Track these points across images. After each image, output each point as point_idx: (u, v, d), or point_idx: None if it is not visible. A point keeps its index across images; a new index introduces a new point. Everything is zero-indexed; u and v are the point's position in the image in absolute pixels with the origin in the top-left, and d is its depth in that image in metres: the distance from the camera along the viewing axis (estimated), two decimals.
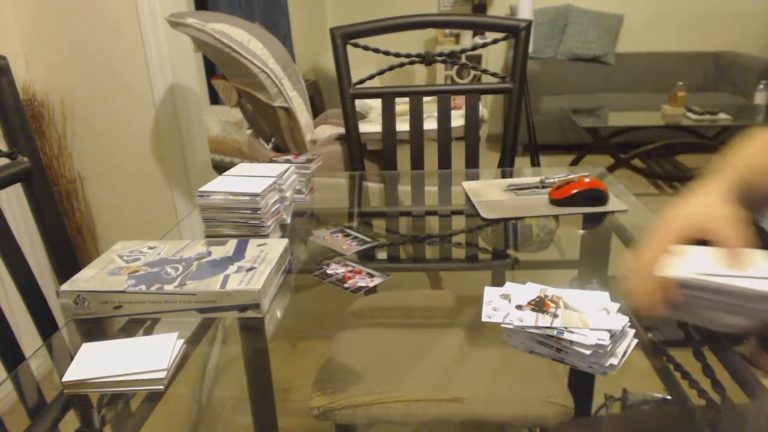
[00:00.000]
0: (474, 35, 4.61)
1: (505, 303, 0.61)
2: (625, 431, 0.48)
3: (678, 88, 3.44)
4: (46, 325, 0.83)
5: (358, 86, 1.39)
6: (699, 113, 3.32)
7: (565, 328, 0.55)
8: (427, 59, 1.39)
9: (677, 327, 0.61)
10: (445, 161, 1.40)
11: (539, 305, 0.60)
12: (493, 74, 1.40)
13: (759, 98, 3.67)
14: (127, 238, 2.28)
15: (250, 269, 0.71)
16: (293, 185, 1.02)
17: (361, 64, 4.23)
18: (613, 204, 0.95)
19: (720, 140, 3.53)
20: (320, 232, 0.91)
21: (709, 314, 0.49)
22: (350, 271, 0.77)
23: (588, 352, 0.53)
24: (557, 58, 4.57)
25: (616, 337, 0.54)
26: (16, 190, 1.72)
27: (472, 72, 4.66)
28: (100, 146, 1.95)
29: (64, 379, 0.55)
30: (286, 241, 0.80)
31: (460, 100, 2.02)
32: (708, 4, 4.51)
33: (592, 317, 0.57)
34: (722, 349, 0.56)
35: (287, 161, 1.08)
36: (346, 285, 0.73)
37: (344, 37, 1.36)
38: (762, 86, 3.66)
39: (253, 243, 0.79)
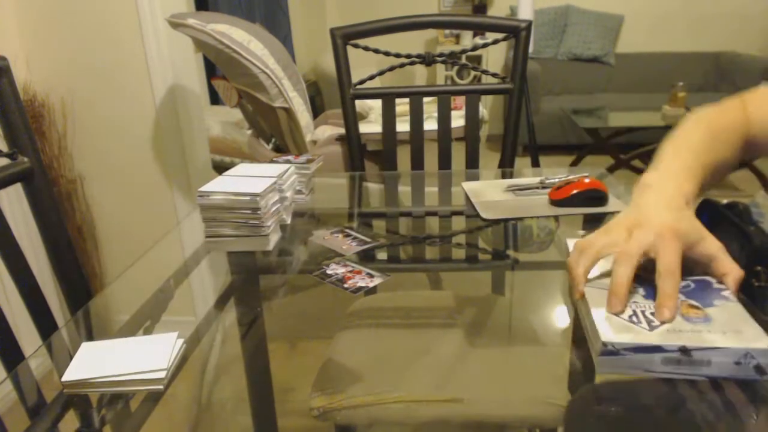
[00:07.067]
0: (474, 36, 4.62)
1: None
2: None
3: (678, 89, 3.44)
4: (46, 325, 0.83)
5: (358, 87, 1.39)
6: None
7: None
8: (427, 60, 1.39)
9: None
10: (445, 162, 1.40)
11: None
12: (493, 75, 1.40)
13: None
14: (128, 237, 2.26)
15: None
16: (293, 185, 1.02)
17: (362, 64, 4.23)
18: (614, 204, 0.95)
19: None
20: (320, 233, 0.91)
21: None
22: (350, 272, 0.77)
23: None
24: (557, 59, 4.57)
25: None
26: (17, 190, 1.72)
27: (473, 72, 4.66)
28: (100, 146, 1.95)
29: (64, 378, 0.55)
30: None
31: (460, 101, 2.02)
32: (708, 4, 4.52)
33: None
34: None
35: (287, 161, 1.08)
36: (346, 285, 0.73)
37: (344, 38, 1.36)
38: (762, 86, 3.66)
39: None
